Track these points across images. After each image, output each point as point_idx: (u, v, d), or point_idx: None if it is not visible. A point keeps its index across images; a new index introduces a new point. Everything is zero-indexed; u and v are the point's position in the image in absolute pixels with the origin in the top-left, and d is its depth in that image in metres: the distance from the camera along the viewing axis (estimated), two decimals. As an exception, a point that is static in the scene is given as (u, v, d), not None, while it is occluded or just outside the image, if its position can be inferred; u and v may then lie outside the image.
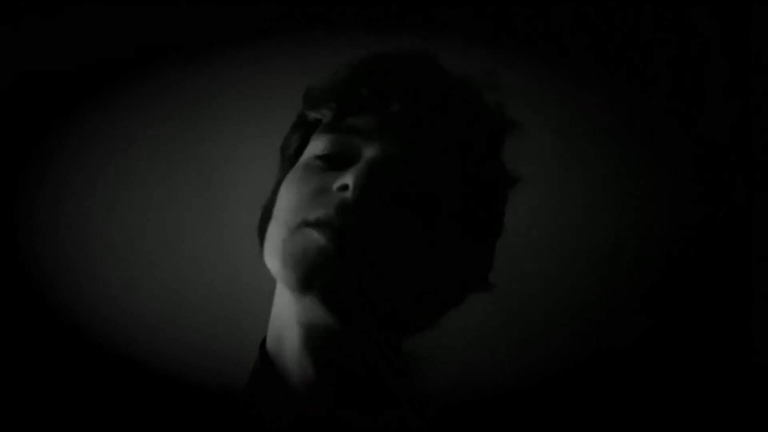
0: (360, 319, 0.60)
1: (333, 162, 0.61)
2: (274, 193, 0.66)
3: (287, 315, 0.62)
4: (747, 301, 0.91)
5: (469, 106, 0.65)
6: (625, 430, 0.86)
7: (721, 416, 0.86)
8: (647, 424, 0.87)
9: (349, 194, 0.58)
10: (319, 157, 0.62)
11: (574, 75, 0.96)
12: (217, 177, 1.02)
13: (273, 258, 0.61)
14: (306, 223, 0.58)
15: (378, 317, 0.60)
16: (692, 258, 0.94)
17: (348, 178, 0.58)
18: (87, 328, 0.96)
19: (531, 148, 0.97)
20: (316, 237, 0.57)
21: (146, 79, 1.01)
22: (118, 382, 0.93)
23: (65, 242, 1.00)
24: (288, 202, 0.61)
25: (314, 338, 0.60)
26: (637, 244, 0.95)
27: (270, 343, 0.65)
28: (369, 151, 0.60)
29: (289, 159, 0.67)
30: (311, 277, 0.57)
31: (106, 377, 0.94)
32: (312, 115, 0.65)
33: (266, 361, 0.64)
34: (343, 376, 0.60)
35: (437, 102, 0.63)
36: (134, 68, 1.01)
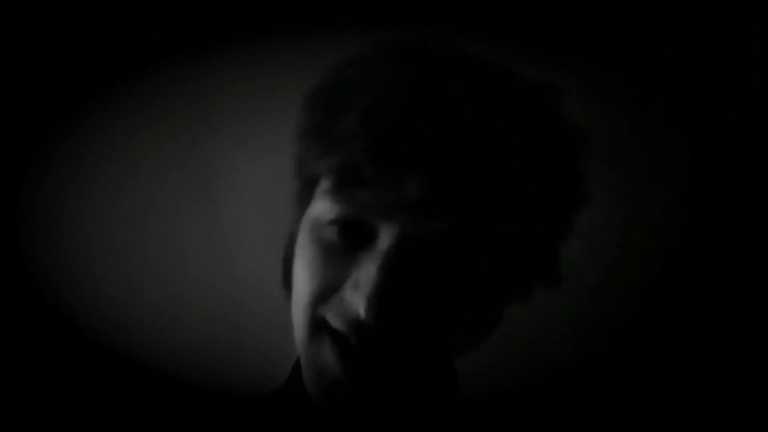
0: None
1: (347, 233, 0.52)
2: (291, 248, 0.58)
3: None
4: (747, 301, 0.91)
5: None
6: (626, 431, 0.86)
7: (721, 416, 0.86)
8: (647, 424, 0.87)
9: (362, 312, 0.50)
10: (330, 222, 0.53)
11: (574, 75, 0.96)
12: (218, 177, 1.02)
13: (297, 338, 0.56)
14: (327, 327, 0.53)
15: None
16: (692, 258, 0.94)
17: (359, 297, 0.50)
18: (87, 328, 0.96)
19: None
20: (331, 360, 0.52)
21: (146, 79, 1.01)
22: (118, 382, 0.93)
23: (65, 242, 1.00)
24: (304, 288, 0.54)
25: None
26: (637, 244, 0.95)
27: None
28: (385, 238, 0.51)
29: (302, 190, 0.58)
30: (328, 399, 0.54)
31: (106, 377, 0.94)
32: (313, 171, 0.55)
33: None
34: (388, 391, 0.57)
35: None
36: (134, 68, 1.01)
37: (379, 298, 0.49)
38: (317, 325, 0.53)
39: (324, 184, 0.54)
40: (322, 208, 0.54)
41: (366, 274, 0.50)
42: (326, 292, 0.53)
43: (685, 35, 0.95)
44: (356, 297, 0.50)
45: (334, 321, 0.52)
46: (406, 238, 0.50)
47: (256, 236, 0.99)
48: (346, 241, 0.53)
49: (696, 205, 0.95)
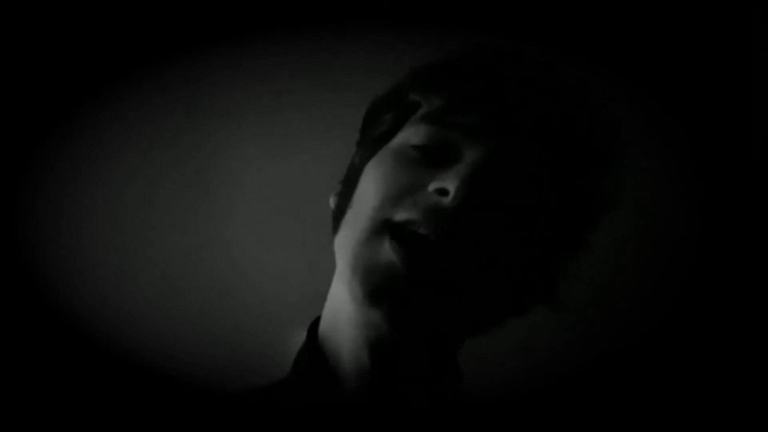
0: (421, 335, 0.58)
1: (430, 155, 0.57)
2: (355, 174, 0.61)
3: (343, 313, 0.60)
4: (747, 301, 0.91)
5: (581, 121, 0.61)
6: (627, 431, 0.86)
7: (722, 416, 0.86)
8: (649, 424, 0.87)
9: (447, 200, 0.54)
10: (415, 147, 0.58)
11: (575, 76, 0.96)
12: (217, 176, 1.02)
13: (343, 258, 0.58)
14: (390, 224, 0.55)
15: (440, 333, 0.59)
16: (692, 258, 0.94)
17: (450, 183, 0.54)
18: (87, 328, 0.96)
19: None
20: (390, 253, 0.54)
21: (146, 79, 1.01)
22: (118, 381, 0.93)
23: (65, 242, 1.00)
24: (375, 192, 0.57)
25: (371, 340, 0.58)
26: (637, 245, 0.95)
27: (324, 328, 0.62)
28: (472, 153, 0.56)
29: (374, 140, 0.62)
30: (380, 295, 0.54)
31: (106, 377, 0.94)
32: (415, 97, 0.60)
33: (314, 344, 0.62)
34: (398, 378, 0.59)
35: (551, 110, 0.59)
36: (134, 68, 1.01)
37: (470, 186, 0.54)
38: (381, 225, 0.55)
39: (420, 114, 0.59)
40: (411, 135, 0.59)
41: (454, 174, 0.54)
42: (398, 195, 0.56)
43: (685, 35, 0.96)
44: (446, 183, 0.54)
45: (407, 213, 0.55)
46: (491, 157, 0.56)
47: (257, 236, 0.99)
48: (427, 160, 0.57)
49: (696, 205, 0.95)
